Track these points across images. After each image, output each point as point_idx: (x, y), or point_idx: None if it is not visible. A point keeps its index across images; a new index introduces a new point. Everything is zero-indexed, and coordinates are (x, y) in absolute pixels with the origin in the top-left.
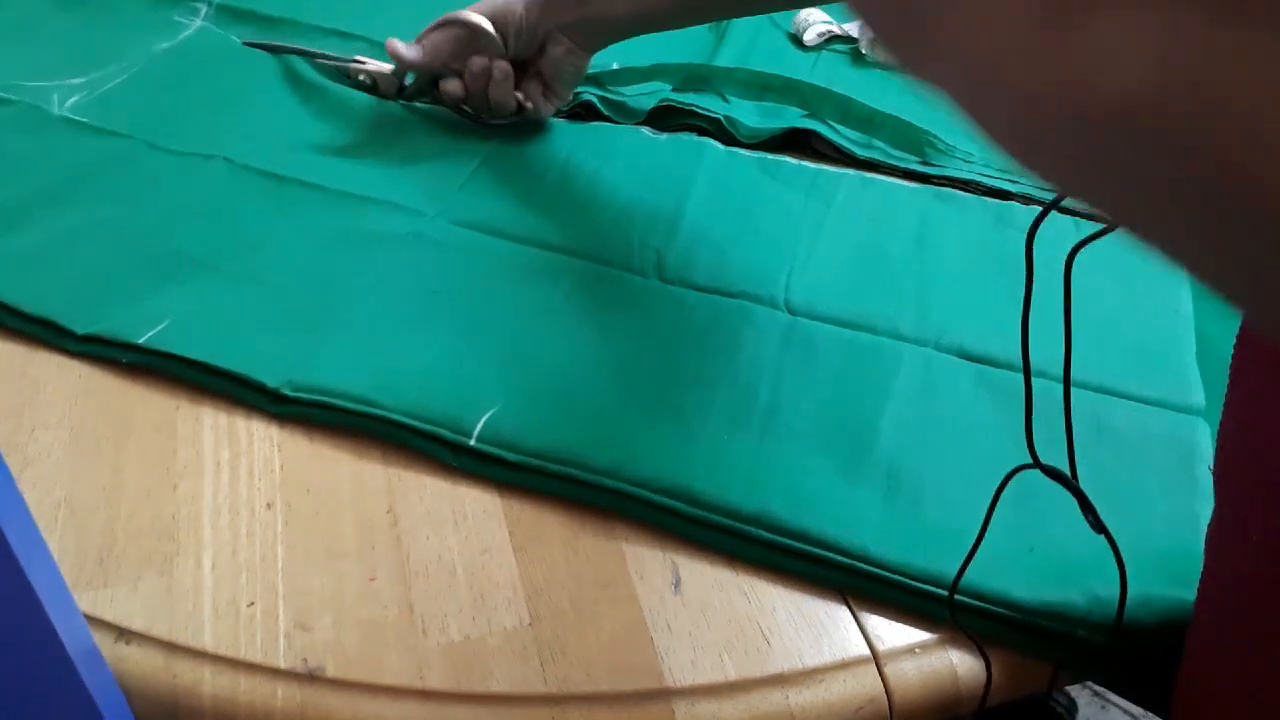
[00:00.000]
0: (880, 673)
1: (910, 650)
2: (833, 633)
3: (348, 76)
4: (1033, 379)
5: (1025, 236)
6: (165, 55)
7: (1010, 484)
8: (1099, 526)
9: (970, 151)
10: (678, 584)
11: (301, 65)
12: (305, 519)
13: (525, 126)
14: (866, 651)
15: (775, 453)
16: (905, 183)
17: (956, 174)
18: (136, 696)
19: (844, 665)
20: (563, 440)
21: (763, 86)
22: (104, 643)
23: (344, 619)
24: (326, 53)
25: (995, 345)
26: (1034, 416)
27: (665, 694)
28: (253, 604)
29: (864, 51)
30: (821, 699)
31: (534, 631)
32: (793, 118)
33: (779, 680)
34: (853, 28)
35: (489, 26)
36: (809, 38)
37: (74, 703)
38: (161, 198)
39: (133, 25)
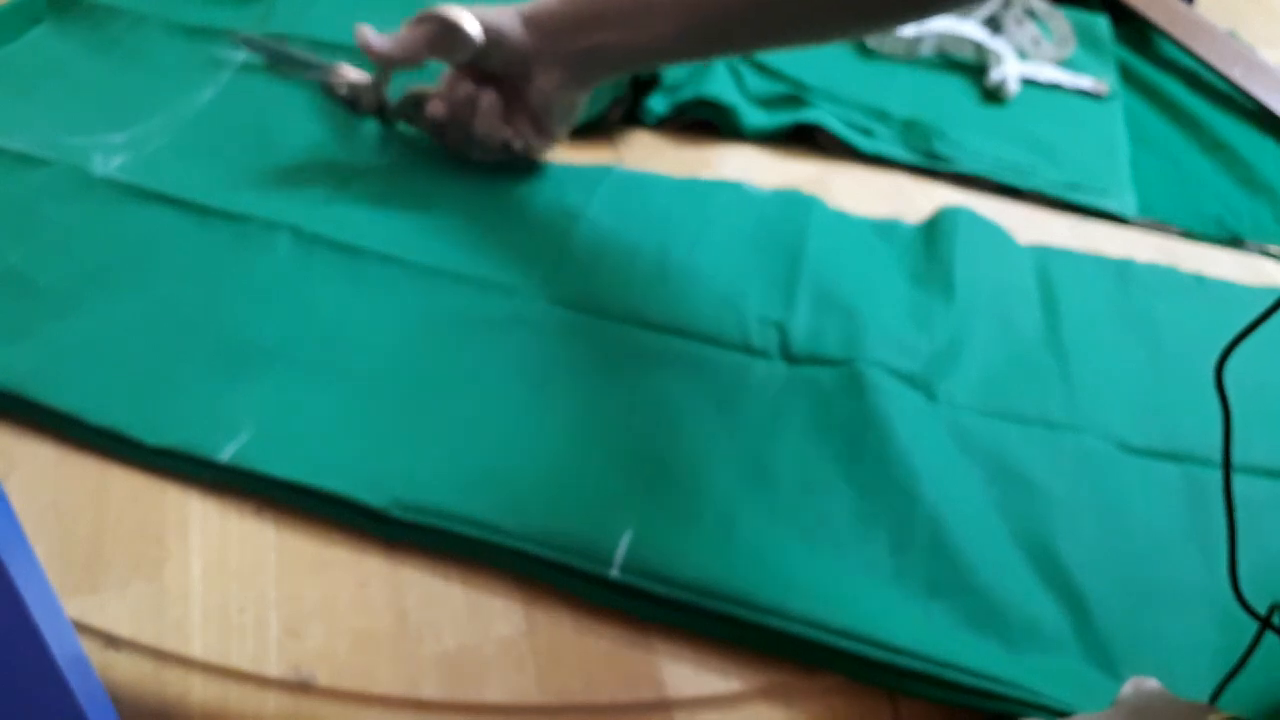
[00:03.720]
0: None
1: None
2: None
3: (330, 90)
4: (1180, 464)
5: (1157, 300)
6: (211, 105)
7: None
8: None
9: (979, 146)
10: None
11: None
12: (297, 524)
13: (618, 183)
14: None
15: (949, 581)
16: (1014, 239)
17: (966, 170)
18: (125, 704)
19: (849, 678)
20: (714, 569)
21: (771, 79)
22: (92, 650)
23: (336, 627)
24: (307, 55)
25: (1155, 435)
26: (1189, 503)
27: (665, 705)
28: (243, 611)
29: (870, 44)
30: (825, 713)
31: (531, 640)
32: (798, 112)
33: (782, 693)
34: None
35: (468, 26)
36: None
37: (61, 710)
38: (224, 275)
39: (172, 69)
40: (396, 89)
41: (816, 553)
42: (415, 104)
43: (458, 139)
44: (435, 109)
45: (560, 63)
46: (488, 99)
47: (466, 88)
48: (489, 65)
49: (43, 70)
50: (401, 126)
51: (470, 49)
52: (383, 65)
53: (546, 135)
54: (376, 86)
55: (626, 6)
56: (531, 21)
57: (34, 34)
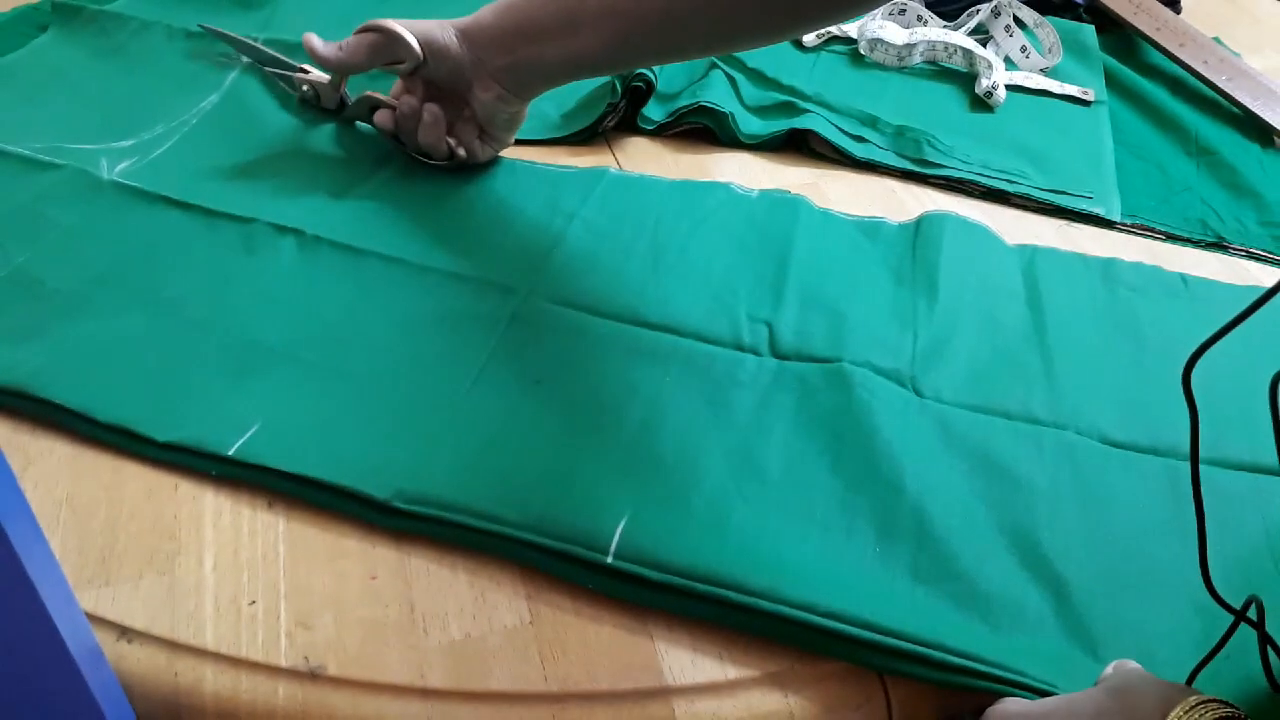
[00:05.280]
0: (880, 675)
1: None
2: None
3: (292, 88)
4: (1163, 458)
5: (1141, 298)
6: (215, 110)
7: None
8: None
9: (968, 152)
10: None
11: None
12: (307, 517)
13: (612, 185)
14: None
15: (934, 568)
16: (1001, 237)
17: (954, 174)
18: (138, 695)
19: (843, 666)
20: (707, 555)
21: (766, 87)
22: (106, 641)
23: (345, 617)
24: (274, 53)
25: (1138, 429)
26: (1171, 496)
27: (665, 692)
28: (254, 602)
29: (863, 53)
30: (820, 699)
31: (535, 630)
32: (792, 118)
33: (778, 680)
34: (852, 29)
35: (408, 37)
36: (808, 39)
37: (76, 701)
38: (231, 276)
39: (176, 75)
40: (355, 93)
41: (804, 539)
42: (369, 108)
43: (408, 145)
44: (382, 120)
45: (495, 75)
46: (430, 113)
47: (411, 102)
48: (434, 77)
49: (48, 77)
50: (361, 126)
51: (411, 58)
52: (329, 70)
53: (492, 143)
54: (335, 87)
55: (554, 20)
56: (466, 35)
57: (39, 41)
